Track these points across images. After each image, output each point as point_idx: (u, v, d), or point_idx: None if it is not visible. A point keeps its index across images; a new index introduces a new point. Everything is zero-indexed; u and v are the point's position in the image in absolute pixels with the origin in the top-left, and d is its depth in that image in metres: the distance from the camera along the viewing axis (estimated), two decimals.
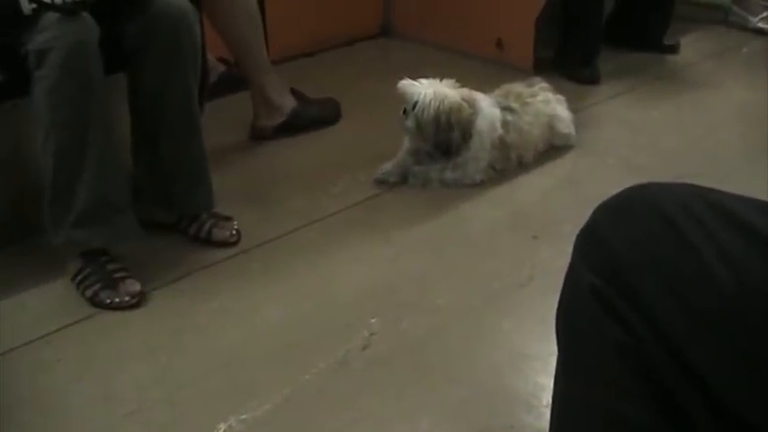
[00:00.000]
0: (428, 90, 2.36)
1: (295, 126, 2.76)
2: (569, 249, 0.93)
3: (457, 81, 2.43)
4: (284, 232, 2.24)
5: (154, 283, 2.01)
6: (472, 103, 2.41)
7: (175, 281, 2.04)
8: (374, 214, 2.35)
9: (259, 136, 2.76)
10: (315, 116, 2.81)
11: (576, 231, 0.93)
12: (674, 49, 3.48)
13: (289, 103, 2.77)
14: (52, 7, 1.76)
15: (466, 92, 2.42)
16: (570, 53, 3.24)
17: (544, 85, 2.67)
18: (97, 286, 1.94)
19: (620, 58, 3.41)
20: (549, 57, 3.30)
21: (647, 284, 0.84)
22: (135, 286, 1.95)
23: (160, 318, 1.91)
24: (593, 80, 3.19)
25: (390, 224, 2.29)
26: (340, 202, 2.39)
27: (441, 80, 2.40)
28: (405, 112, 2.40)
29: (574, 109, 2.75)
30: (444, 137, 2.39)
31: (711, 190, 0.89)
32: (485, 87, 2.57)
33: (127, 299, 1.93)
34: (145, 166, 2.12)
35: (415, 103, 2.36)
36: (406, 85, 2.38)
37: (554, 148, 2.66)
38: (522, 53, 3.24)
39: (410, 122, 2.39)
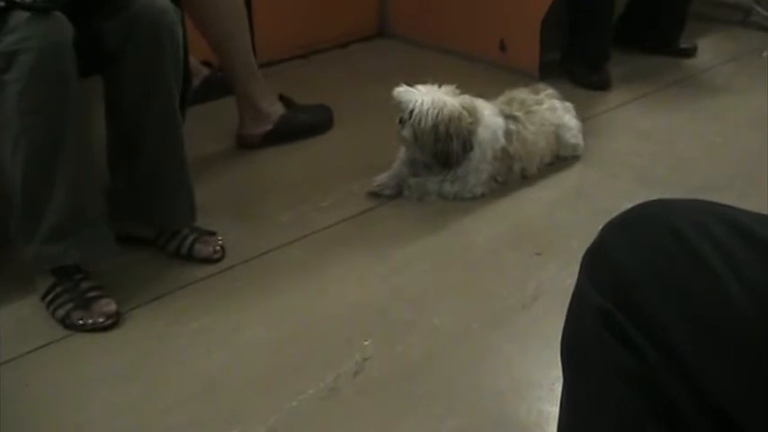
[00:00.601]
0: (426, 97, 2.37)
1: (284, 134, 2.76)
2: (576, 268, 0.93)
3: (457, 87, 2.44)
4: (271, 248, 2.24)
5: (131, 303, 2.01)
6: (473, 112, 2.42)
7: (154, 300, 2.04)
8: (367, 229, 2.35)
9: (245, 144, 2.76)
10: (305, 123, 2.82)
11: (584, 248, 0.93)
12: (690, 52, 3.50)
13: (277, 109, 2.77)
14: (22, 6, 1.74)
15: (466, 99, 2.43)
16: (578, 57, 3.25)
17: (550, 91, 2.67)
18: (69, 306, 1.93)
19: (631, 61, 3.43)
20: (556, 60, 3.31)
21: (658, 307, 0.84)
22: (110, 306, 1.95)
23: (137, 340, 1.91)
24: (603, 86, 3.20)
25: (385, 240, 2.29)
26: (331, 216, 2.39)
27: (439, 86, 2.41)
28: (401, 120, 2.40)
29: (582, 117, 2.75)
30: (443, 147, 2.39)
31: (728, 207, 0.89)
32: (487, 94, 2.58)
33: (101, 320, 1.92)
34: (122, 176, 2.13)
35: (412, 111, 2.36)
36: (402, 92, 2.39)
37: (560, 159, 2.67)
38: (527, 56, 3.25)
39: (406, 132, 2.40)
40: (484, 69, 3.33)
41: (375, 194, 2.48)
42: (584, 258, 0.93)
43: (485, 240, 2.32)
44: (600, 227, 0.93)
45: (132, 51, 1.96)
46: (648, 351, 0.83)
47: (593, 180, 2.61)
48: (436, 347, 1.89)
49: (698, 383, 0.81)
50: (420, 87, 2.39)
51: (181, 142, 2.09)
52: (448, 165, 2.44)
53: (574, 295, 0.92)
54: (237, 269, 2.16)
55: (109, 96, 2.05)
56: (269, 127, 2.75)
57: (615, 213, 0.93)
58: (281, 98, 2.82)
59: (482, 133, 2.44)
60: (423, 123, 2.36)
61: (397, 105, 2.40)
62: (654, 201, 0.92)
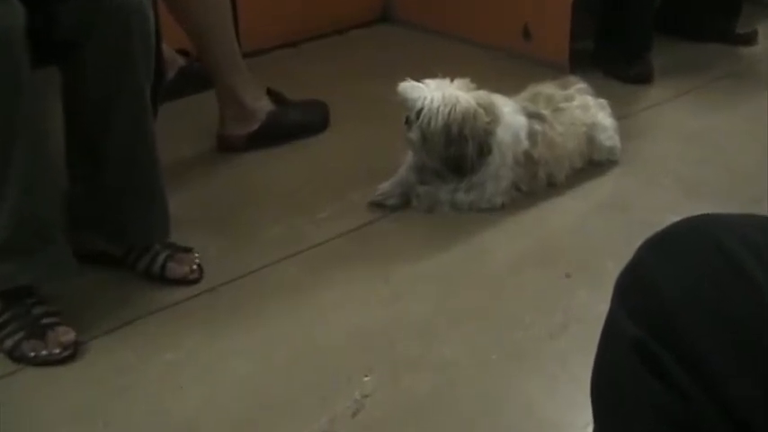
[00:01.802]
0: (436, 93, 2.37)
1: (272, 135, 2.78)
2: (611, 292, 0.93)
3: (472, 81, 2.44)
4: (257, 267, 2.25)
5: (92, 331, 2.01)
6: (491, 110, 2.42)
7: (120, 328, 2.04)
8: (369, 245, 2.36)
9: (227, 146, 2.77)
10: (297, 122, 2.83)
11: (621, 269, 0.93)
12: (748, 39, 3.49)
13: (264, 105, 2.78)
14: None
15: (483, 95, 2.43)
16: (614, 45, 3.25)
17: (582, 85, 2.67)
18: (20, 335, 1.92)
19: (677, 50, 3.45)
20: (589, 50, 3.33)
21: (704, 339, 0.84)
22: (68, 335, 1.94)
23: (99, 374, 1.90)
24: (644, 79, 3.21)
25: (389, 257, 2.30)
26: (327, 230, 2.40)
27: (451, 80, 2.41)
28: (407, 120, 2.42)
29: (619, 115, 2.75)
30: (456, 151, 2.40)
31: None
32: (507, 89, 2.58)
33: (57, 351, 1.91)
34: (84, 184, 2.12)
35: (420, 110, 2.37)
36: (409, 87, 2.40)
37: (593, 164, 2.67)
38: (555, 45, 3.26)
39: (414, 134, 2.41)
40: (504, 60, 3.34)
41: (378, 205, 2.49)
42: (617, 281, 0.93)
43: (505, 259, 2.32)
44: (639, 244, 0.93)
45: (95, 39, 1.96)
46: (691, 389, 0.83)
47: (632, 189, 2.61)
48: (447, 384, 1.88)
49: (747, 426, 0.81)
50: (429, 82, 2.40)
51: (152, 143, 2.09)
52: (462, 171, 2.45)
53: (606, 324, 0.92)
54: (218, 292, 2.17)
55: (68, 90, 2.05)
56: (255, 126, 2.76)
57: (657, 228, 0.93)
58: (269, 93, 2.83)
59: (501, 134, 2.44)
60: (432, 124, 2.36)
61: (403, 103, 2.41)
62: (700, 216, 0.92)
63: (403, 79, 2.42)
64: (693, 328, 0.84)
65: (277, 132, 2.78)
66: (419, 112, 2.37)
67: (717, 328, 0.84)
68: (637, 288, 0.90)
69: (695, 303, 0.85)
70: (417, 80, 2.41)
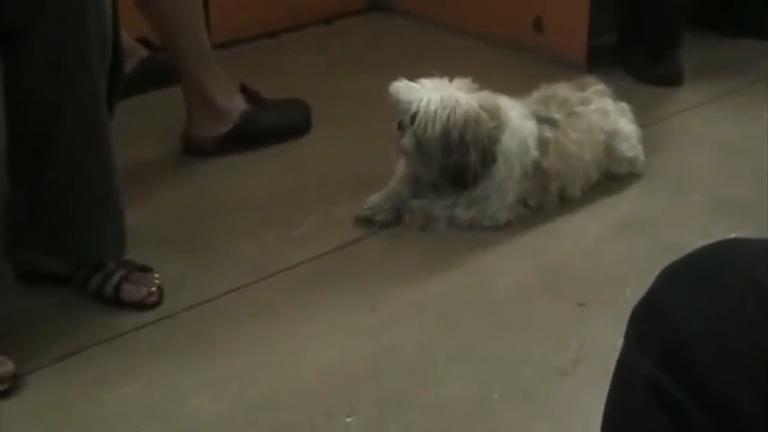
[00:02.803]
0: (433, 95, 2.37)
1: (246, 137, 2.79)
2: None
3: (474, 80, 2.45)
4: (226, 290, 2.25)
5: (35, 362, 1.99)
6: (495, 114, 2.42)
7: (66, 358, 2.02)
8: (355, 267, 2.36)
9: (195, 150, 2.79)
10: (274, 124, 2.85)
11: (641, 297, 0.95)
12: None
13: (237, 104, 2.80)
14: None
15: (487, 97, 2.44)
16: (639, 41, 3.26)
17: (601, 87, 2.68)
18: None
19: (710, 48, 3.46)
20: (610, 46, 3.34)
21: (728, 382, 0.84)
22: (6, 366, 1.92)
23: (42, 411, 1.89)
24: (673, 80, 3.22)
25: (377, 281, 2.30)
26: (306, 249, 2.40)
27: (450, 79, 2.42)
28: (400, 125, 2.42)
29: (643, 122, 2.75)
30: (456, 161, 2.40)
31: None
32: (514, 89, 2.59)
33: None
34: (27, 192, 2.10)
35: (415, 113, 2.37)
36: (402, 87, 2.40)
37: (613, 177, 2.68)
38: (571, 40, 3.27)
39: (407, 141, 2.41)
40: (511, 56, 3.36)
41: (365, 221, 2.50)
42: (633, 313, 0.93)
43: (510, 285, 2.32)
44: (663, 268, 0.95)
45: (42, 25, 1.95)
46: None
47: (656, 206, 2.61)
48: (442, 427, 1.87)
49: None
50: (425, 81, 2.40)
51: (108, 145, 2.09)
52: (463, 184, 2.45)
53: (619, 362, 0.93)
54: (180, 318, 2.16)
55: (11, 81, 2.02)
56: (226, 128, 2.78)
57: (684, 252, 0.93)
58: (243, 90, 2.84)
59: (507, 142, 2.45)
60: (429, 129, 2.36)
61: (396, 105, 2.42)
62: (729, 240, 0.93)
63: (396, 77, 2.42)
64: (716, 369, 0.85)
65: (251, 135, 2.80)
66: (414, 115, 2.38)
67: (743, 369, 0.84)
68: (653, 321, 0.91)
69: (720, 341, 0.86)
70: (412, 79, 2.41)
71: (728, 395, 0.84)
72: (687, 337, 0.87)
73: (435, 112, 2.35)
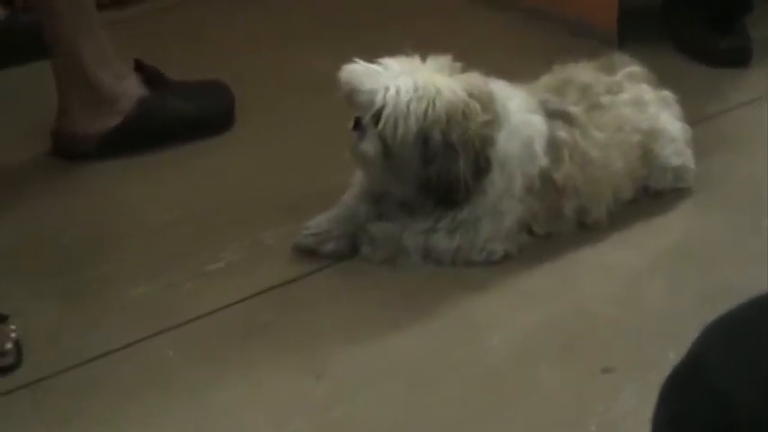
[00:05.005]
0: (403, 81, 2.35)
1: (142, 134, 2.81)
2: None
3: (458, 58, 2.44)
4: (111, 348, 2.23)
5: None
6: (488, 104, 2.41)
7: None
8: (292, 316, 2.35)
9: (70, 151, 2.80)
10: (182, 116, 2.86)
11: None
12: None
13: (131, 88, 2.82)
14: None
15: (476, 81, 2.42)
16: (692, 6, 3.31)
17: (635, 69, 2.67)
18: None
19: None
20: (650, 12, 3.33)
21: None
22: None
23: None
24: (737, 58, 3.27)
25: (324, 338, 2.29)
26: (225, 291, 2.39)
27: (424, 60, 2.41)
28: (357, 125, 2.39)
29: (694, 117, 2.77)
30: (440, 171, 2.38)
31: None
32: (516, 70, 2.60)
33: None
34: None
35: (380, 109, 2.34)
36: (359, 72, 2.38)
37: (652, 193, 2.69)
38: (597, 2, 3.29)
39: (369, 146, 2.38)
40: (512, 24, 3.34)
41: (307, 251, 2.49)
42: (666, 381, 1.02)
43: (509, 343, 2.30)
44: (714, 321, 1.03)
45: None
46: None
47: (711, 234, 2.60)
48: None
49: None
50: (390, 62, 2.39)
51: None
52: (451, 201, 2.43)
53: None
54: (45, 386, 2.14)
55: None
56: (114, 120, 2.79)
57: (747, 297, 1.02)
58: (140, 68, 2.86)
59: (505, 144, 2.44)
60: (401, 130, 2.34)
61: (350, 96, 2.39)
62: None
63: (349, 56, 2.40)
64: None
65: (150, 131, 2.81)
66: (379, 111, 2.34)
67: None
68: (693, 393, 1.00)
69: None
70: (371, 60, 2.39)
71: None
72: (733, 411, 0.95)
73: (408, 106, 2.33)
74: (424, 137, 2.35)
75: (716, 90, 3.08)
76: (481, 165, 2.40)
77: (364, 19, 3.21)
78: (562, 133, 2.49)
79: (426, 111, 2.33)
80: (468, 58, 2.45)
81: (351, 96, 2.38)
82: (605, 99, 2.58)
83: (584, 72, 2.62)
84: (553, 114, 2.50)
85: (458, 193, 2.40)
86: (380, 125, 2.34)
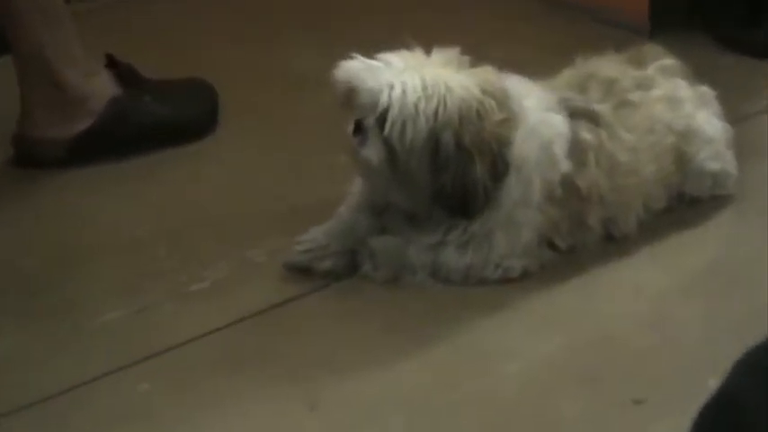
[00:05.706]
0: (409, 78, 2.34)
1: (115, 139, 2.84)
2: None
3: (465, 51, 2.43)
4: (79, 381, 2.22)
5: None
6: (503, 102, 2.39)
7: None
8: (283, 342, 2.35)
9: (35, 158, 2.84)
10: (160, 118, 2.90)
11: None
12: None
13: (102, 87, 2.84)
14: None
15: (489, 77, 2.41)
16: None
17: (668, 61, 2.67)
18: None
19: None
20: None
21: None
22: None
23: None
24: None
25: (319, 365, 2.28)
26: (208, 314, 2.39)
27: (428, 53, 2.40)
28: (358, 128, 2.37)
29: (735, 116, 2.78)
30: (456, 177, 2.36)
31: None
32: (534, 64, 2.62)
33: None
34: None
35: (385, 110, 2.31)
36: (359, 69, 2.37)
37: (688, 201, 2.68)
38: None
39: (372, 152, 2.37)
40: (528, 12, 3.31)
41: (300, 269, 2.49)
42: (697, 420, 1.04)
43: (527, 371, 2.28)
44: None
45: None
46: None
47: (753, 247, 2.58)
48: None
49: None
50: (392, 57, 2.38)
51: None
52: (469, 211, 2.41)
53: None
54: (2, 425, 2.13)
55: None
56: (84, 124, 2.82)
57: None
58: (112, 64, 2.88)
59: (522, 147, 2.42)
60: (409, 133, 2.32)
61: (348, 96, 2.36)
62: None
63: (340, 51, 2.39)
64: None
65: (124, 135, 2.84)
66: (384, 113, 2.31)
67: None
68: (726, 427, 1.02)
69: None
70: (371, 56, 2.38)
71: None
72: None
73: (416, 106, 2.31)
74: (434, 140, 2.33)
75: (758, 85, 3.06)
76: (499, 168, 2.38)
77: (356, 8, 3.20)
78: (586, 134, 2.48)
79: (437, 111, 2.31)
80: (479, 51, 2.43)
81: (349, 96, 2.36)
82: (635, 96, 2.57)
83: (610, 66, 2.61)
84: (576, 113, 2.49)
85: (476, 201, 2.38)
86: (386, 129, 2.32)
